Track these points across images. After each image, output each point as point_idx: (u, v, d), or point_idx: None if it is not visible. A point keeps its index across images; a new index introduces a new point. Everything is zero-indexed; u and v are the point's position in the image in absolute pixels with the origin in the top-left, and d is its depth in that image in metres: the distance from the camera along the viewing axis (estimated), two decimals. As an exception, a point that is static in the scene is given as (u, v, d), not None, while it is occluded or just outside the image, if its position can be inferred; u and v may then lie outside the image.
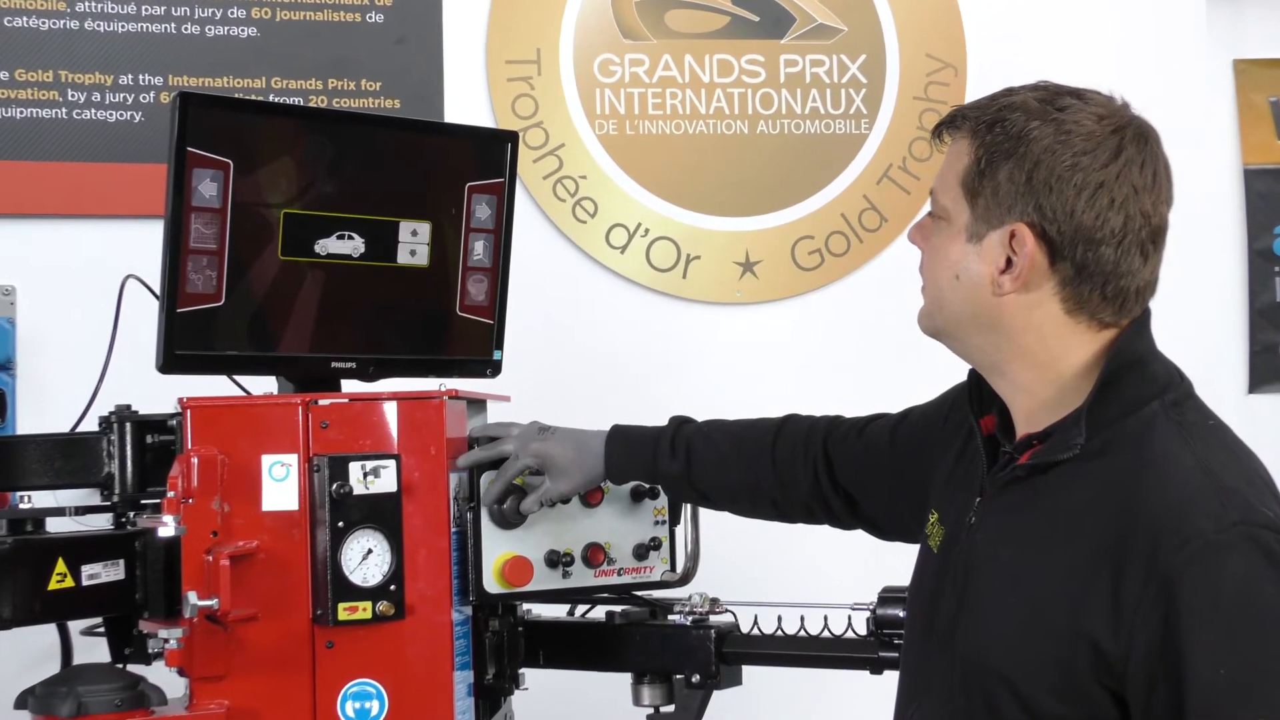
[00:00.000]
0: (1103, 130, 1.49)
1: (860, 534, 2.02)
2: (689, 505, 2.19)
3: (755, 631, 2.19)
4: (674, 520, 2.21)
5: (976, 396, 1.66)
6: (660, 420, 2.10)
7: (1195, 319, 3.39)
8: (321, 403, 1.96)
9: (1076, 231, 1.47)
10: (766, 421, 2.03)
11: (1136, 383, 1.50)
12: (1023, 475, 1.53)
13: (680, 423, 2.06)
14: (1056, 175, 1.47)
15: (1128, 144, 1.49)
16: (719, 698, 2.17)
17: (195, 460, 1.88)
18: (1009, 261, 1.50)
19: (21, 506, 2.00)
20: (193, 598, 1.81)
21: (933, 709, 1.59)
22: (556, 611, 2.30)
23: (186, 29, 2.99)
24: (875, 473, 1.90)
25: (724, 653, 2.15)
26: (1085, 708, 1.42)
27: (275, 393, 2.13)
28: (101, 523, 2.08)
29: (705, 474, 2.01)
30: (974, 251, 1.52)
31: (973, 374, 1.66)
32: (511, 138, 2.28)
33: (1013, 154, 1.49)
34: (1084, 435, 1.47)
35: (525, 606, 2.23)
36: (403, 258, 2.16)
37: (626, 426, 2.08)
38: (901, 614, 1.97)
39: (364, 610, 1.90)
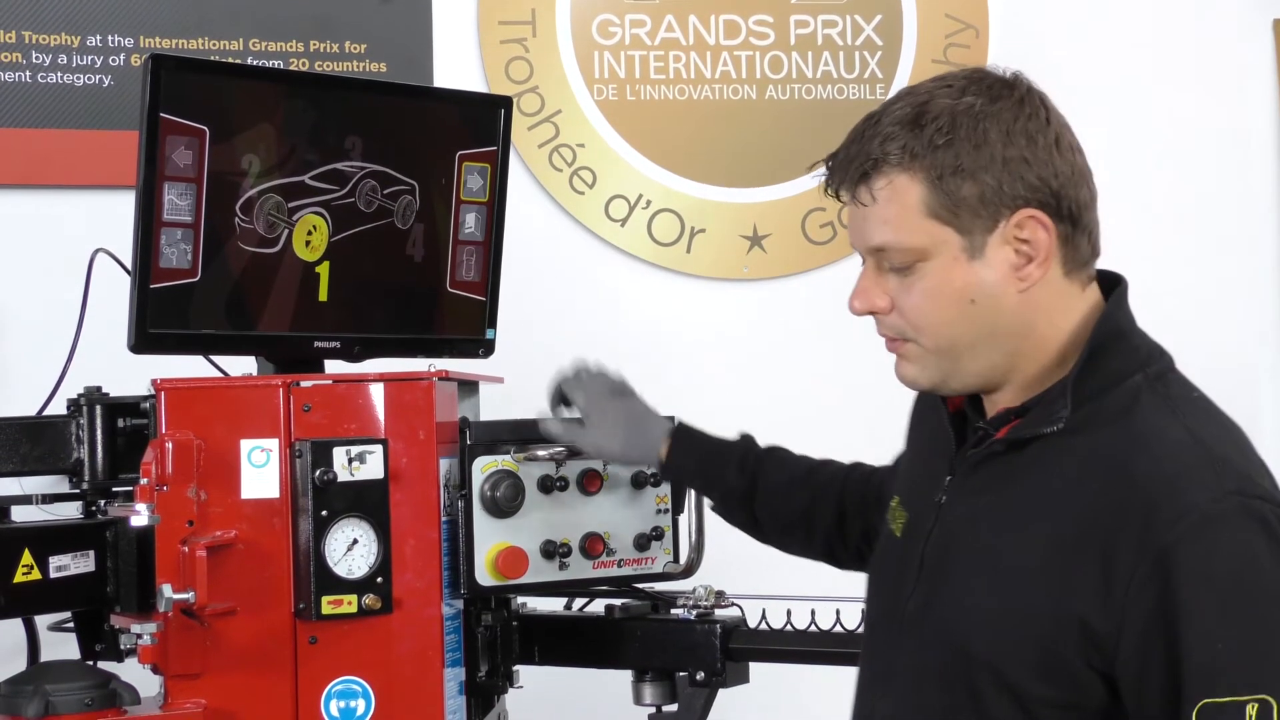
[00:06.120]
0: (1001, 92, 1.52)
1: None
2: (693, 492, 2.19)
3: (763, 626, 2.20)
4: (677, 509, 2.22)
5: None
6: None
7: (1227, 314, 3.36)
8: (304, 384, 1.97)
9: (1062, 187, 1.51)
10: (837, 462, 2.05)
11: (1120, 355, 1.52)
12: (1000, 451, 1.55)
13: (751, 441, 2.07)
14: (1019, 147, 1.49)
15: (1023, 94, 1.52)
16: (724, 696, 2.18)
17: (170, 445, 1.88)
18: (1017, 251, 1.51)
19: (-15, 494, 2.01)
20: (167, 591, 1.82)
21: (900, 697, 1.60)
22: (553, 605, 2.31)
23: (159, -14, 2.99)
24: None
25: (730, 649, 2.16)
26: (1072, 690, 1.44)
27: (254, 374, 2.14)
28: (70, 511, 2.10)
29: (769, 499, 2.02)
30: (980, 265, 1.53)
31: None
32: (505, 103, 2.29)
33: (975, 152, 1.49)
34: (1069, 408, 1.49)
35: (520, 600, 2.24)
36: (389, 230, 2.16)
37: (692, 428, 2.08)
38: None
39: (349, 604, 1.90)
